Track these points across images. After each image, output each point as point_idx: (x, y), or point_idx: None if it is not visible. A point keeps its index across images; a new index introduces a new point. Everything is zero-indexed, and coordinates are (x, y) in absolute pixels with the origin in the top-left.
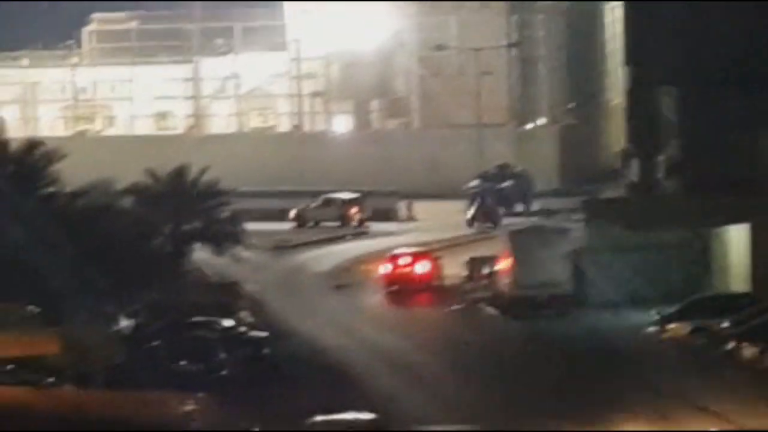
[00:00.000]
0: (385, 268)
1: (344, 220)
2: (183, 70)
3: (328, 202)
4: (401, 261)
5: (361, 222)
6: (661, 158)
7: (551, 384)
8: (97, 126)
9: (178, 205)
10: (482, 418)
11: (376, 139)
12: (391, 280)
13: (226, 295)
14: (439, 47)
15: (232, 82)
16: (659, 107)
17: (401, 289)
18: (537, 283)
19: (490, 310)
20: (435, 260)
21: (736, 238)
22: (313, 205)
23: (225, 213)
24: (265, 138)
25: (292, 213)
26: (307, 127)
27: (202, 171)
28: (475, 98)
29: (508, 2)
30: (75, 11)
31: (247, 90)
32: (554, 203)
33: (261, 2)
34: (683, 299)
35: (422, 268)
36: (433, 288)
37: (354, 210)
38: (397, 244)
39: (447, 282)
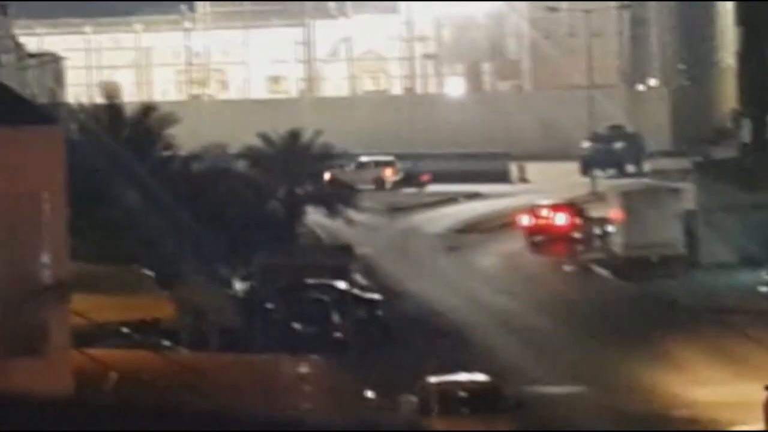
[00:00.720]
0: (527, 220)
1: (378, 183)
2: (296, 34)
3: (362, 166)
4: (542, 213)
5: (393, 185)
6: None
7: (661, 346)
8: (210, 90)
9: (291, 168)
10: (593, 380)
11: (487, 101)
12: (532, 230)
13: (339, 257)
14: (551, 8)
15: (345, 45)
16: None
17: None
18: (649, 243)
19: (602, 272)
20: (573, 213)
21: None
22: (348, 168)
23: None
24: (378, 101)
25: (327, 176)
26: (419, 89)
27: (316, 134)
28: (587, 59)
29: None
30: None
31: (360, 53)
32: (666, 164)
33: None
34: None
35: (561, 219)
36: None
37: (388, 172)
38: (509, 206)
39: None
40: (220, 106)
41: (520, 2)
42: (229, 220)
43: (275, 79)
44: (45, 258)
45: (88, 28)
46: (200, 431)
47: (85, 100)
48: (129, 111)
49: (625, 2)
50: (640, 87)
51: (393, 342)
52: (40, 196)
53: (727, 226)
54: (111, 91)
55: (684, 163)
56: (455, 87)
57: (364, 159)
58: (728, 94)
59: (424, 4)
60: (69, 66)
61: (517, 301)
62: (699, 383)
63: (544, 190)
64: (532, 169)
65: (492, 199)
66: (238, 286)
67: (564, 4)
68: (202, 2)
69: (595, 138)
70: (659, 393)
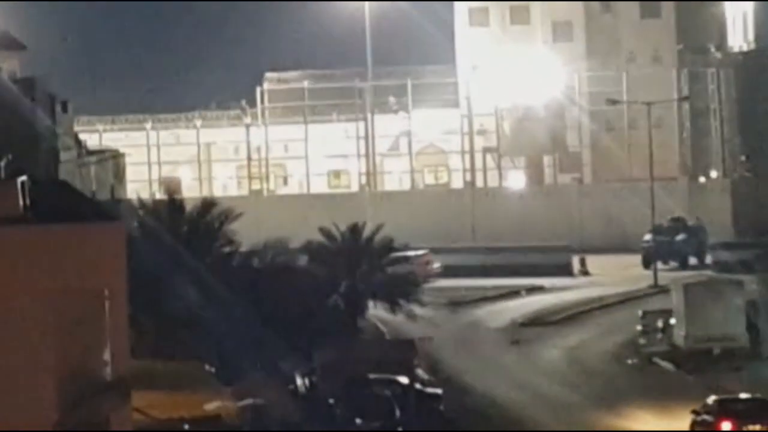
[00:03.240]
0: None
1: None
2: (356, 128)
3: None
4: None
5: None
6: None
7: None
8: (271, 185)
9: (352, 262)
10: None
11: (548, 193)
12: None
13: (401, 351)
14: (611, 101)
15: (405, 139)
16: None
17: None
18: (711, 336)
19: (665, 365)
20: None
21: None
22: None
23: (400, 270)
24: (439, 194)
25: None
26: (479, 183)
27: (377, 228)
28: (647, 152)
29: (680, 56)
30: (248, 71)
31: (420, 147)
32: (728, 256)
33: (432, 60)
34: None
35: None
36: None
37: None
38: (572, 300)
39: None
40: (280, 201)
41: (580, 95)
42: (291, 315)
43: (336, 174)
44: (107, 354)
45: (148, 124)
46: None
47: (145, 195)
48: (189, 206)
49: (685, 95)
50: (702, 179)
51: None
52: (102, 293)
53: None
54: (171, 186)
55: (746, 255)
56: (516, 180)
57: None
58: None
59: (484, 97)
60: (129, 162)
61: (578, 394)
62: None
63: (606, 283)
64: (594, 262)
65: (554, 293)
66: (300, 381)
67: (624, 97)
68: (261, 97)
69: (656, 230)
70: None
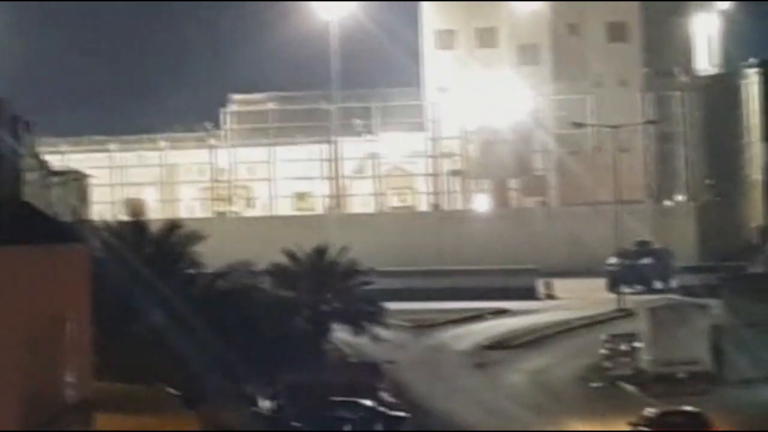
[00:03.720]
0: None
1: None
2: (321, 150)
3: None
4: None
5: None
6: None
7: None
8: (236, 207)
9: (317, 285)
10: None
11: (514, 217)
12: None
13: (366, 374)
14: (577, 125)
15: (371, 162)
16: None
17: None
18: (676, 360)
19: (630, 388)
20: None
21: None
22: None
23: (365, 293)
24: (404, 217)
25: None
26: (445, 206)
27: (342, 251)
28: (614, 175)
29: (646, 79)
30: (214, 92)
31: (386, 169)
32: (693, 280)
33: (398, 83)
34: None
35: None
36: None
37: None
38: (537, 323)
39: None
40: (245, 223)
41: (546, 119)
42: (255, 337)
43: (301, 196)
44: (70, 377)
45: (113, 146)
46: None
47: (109, 217)
48: (154, 228)
49: (651, 119)
50: (667, 202)
51: None
52: (65, 314)
53: (754, 342)
54: (135, 208)
55: (711, 279)
56: (482, 203)
57: None
58: (756, 210)
59: (450, 119)
60: (94, 183)
61: (542, 418)
62: None
63: (571, 307)
64: (559, 285)
65: (519, 316)
66: (264, 404)
67: (589, 121)
68: (227, 119)
69: (622, 254)
70: None
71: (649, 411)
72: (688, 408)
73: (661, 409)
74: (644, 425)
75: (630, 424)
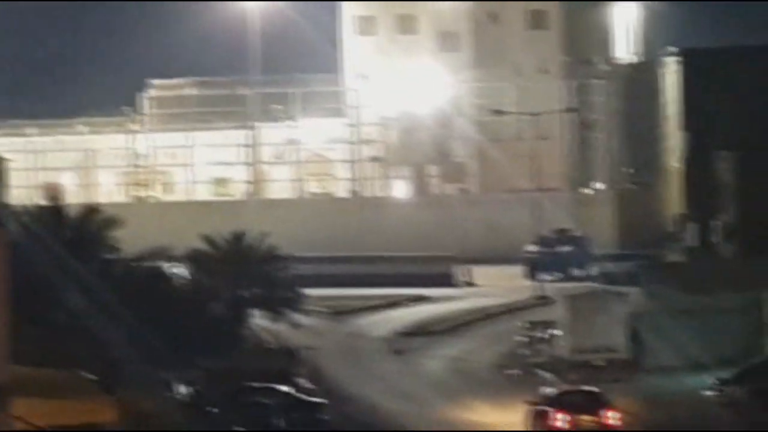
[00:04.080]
0: None
1: None
2: (241, 136)
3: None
4: None
5: None
6: (718, 222)
7: None
8: (155, 192)
9: (236, 270)
10: None
11: (434, 204)
12: None
13: (284, 360)
14: (497, 112)
15: (291, 148)
16: (717, 171)
17: None
18: (594, 347)
19: (547, 375)
20: None
21: None
22: None
23: (283, 279)
24: (324, 203)
25: None
26: (365, 192)
27: (261, 237)
28: (533, 163)
29: (566, 67)
30: (134, 78)
31: (306, 155)
32: (612, 267)
33: (319, 69)
34: (741, 363)
35: None
36: None
37: None
38: (455, 310)
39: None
40: (164, 208)
41: (466, 106)
42: (173, 323)
43: (221, 181)
44: None
45: (30, 130)
46: None
47: (28, 202)
48: (72, 213)
49: (572, 106)
50: (587, 190)
51: None
52: None
53: (672, 329)
54: (54, 193)
55: (630, 266)
56: (401, 190)
57: None
58: (675, 198)
59: (370, 106)
60: (12, 167)
61: (458, 406)
62: None
63: (490, 294)
64: (478, 272)
65: (438, 303)
66: (182, 389)
67: (510, 108)
68: (147, 104)
69: (541, 242)
70: None
71: (548, 390)
72: (587, 387)
73: (560, 388)
74: (542, 404)
75: (528, 402)
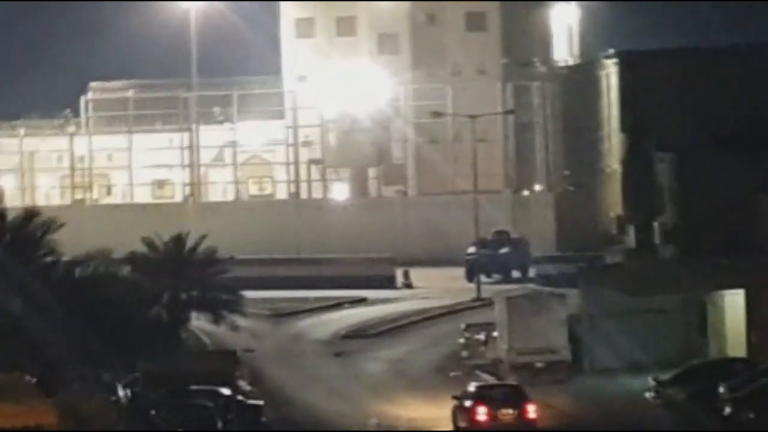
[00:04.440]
0: None
1: None
2: (181, 138)
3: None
4: None
5: None
6: (657, 224)
7: None
8: (95, 194)
9: (175, 273)
10: None
11: (373, 206)
12: None
13: (223, 363)
14: (436, 114)
15: (230, 150)
16: (655, 173)
17: None
18: (534, 349)
19: (487, 377)
20: None
21: (732, 302)
22: None
23: (223, 281)
24: (263, 206)
25: None
26: (304, 194)
27: (200, 239)
28: (472, 165)
29: (505, 69)
30: (73, 80)
31: (245, 158)
32: (551, 269)
33: (259, 71)
34: (680, 365)
35: None
36: None
37: None
38: (395, 312)
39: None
40: (104, 211)
41: (405, 108)
42: (113, 325)
43: (160, 184)
44: None
45: None
46: None
47: None
48: (11, 216)
49: (510, 109)
50: (525, 192)
51: None
52: None
53: (612, 331)
54: None
55: (568, 268)
56: (340, 192)
57: None
58: (614, 200)
59: (309, 108)
60: None
61: (400, 408)
62: None
63: (429, 296)
64: (417, 274)
65: (377, 305)
66: (122, 392)
67: (449, 110)
68: (86, 106)
69: (480, 243)
70: None
71: (472, 385)
72: (508, 381)
73: (483, 382)
74: (466, 399)
75: (454, 397)
